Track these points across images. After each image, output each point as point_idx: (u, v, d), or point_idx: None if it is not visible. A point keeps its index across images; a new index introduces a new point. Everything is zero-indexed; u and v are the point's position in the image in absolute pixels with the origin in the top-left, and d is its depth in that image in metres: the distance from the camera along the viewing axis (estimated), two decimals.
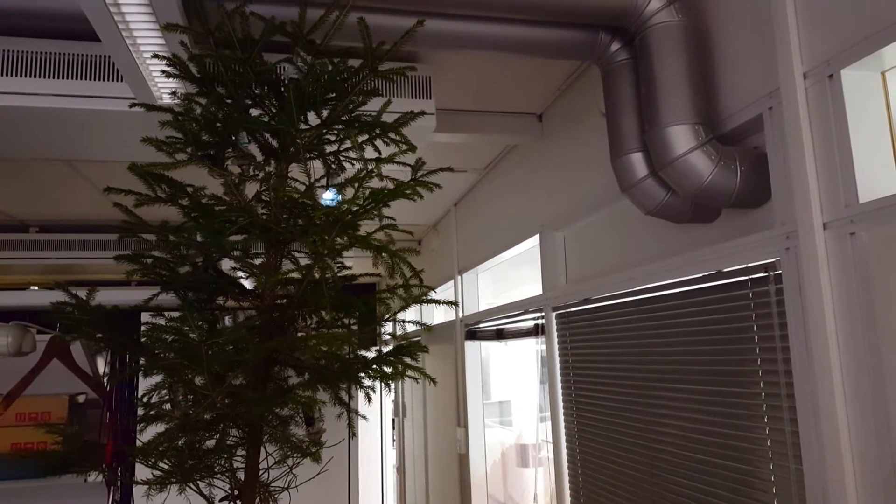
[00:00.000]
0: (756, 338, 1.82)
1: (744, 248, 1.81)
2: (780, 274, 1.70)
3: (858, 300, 1.48)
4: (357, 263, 6.49)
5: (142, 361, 1.76)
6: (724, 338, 1.95)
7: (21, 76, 2.30)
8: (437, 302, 1.98)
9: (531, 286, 6.07)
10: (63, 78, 2.33)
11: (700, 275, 2.04)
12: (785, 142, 1.70)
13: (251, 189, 1.91)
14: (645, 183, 2.09)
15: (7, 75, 2.29)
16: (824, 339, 1.53)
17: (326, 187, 1.92)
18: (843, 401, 1.50)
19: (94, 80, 2.35)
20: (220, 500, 1.90)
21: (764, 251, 1.74)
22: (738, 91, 1.92)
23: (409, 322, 2.09)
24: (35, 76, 2.31)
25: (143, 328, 1.76)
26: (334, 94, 1.86)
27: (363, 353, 1.98)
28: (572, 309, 2.96)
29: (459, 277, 4.90)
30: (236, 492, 1.88)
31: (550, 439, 3.17)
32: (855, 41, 1.50)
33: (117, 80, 2.36)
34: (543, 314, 3.27)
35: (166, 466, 1.69)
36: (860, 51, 1.49)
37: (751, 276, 1.84)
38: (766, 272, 1.77)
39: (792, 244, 1.64)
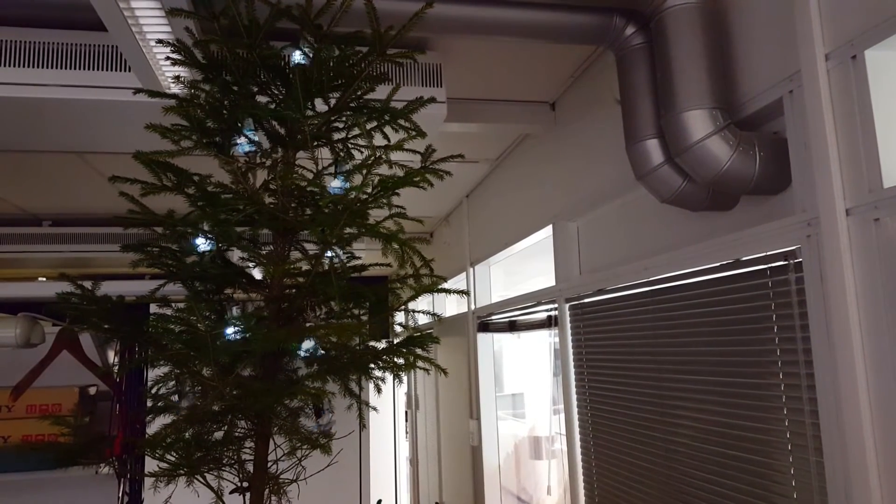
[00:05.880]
0: (776, 328, 1.77)
1: (763, 235, 1.76)
2: (801, 262, 1.65)
3: (883, 288, 1.43)
4: (369, 255, 6.48)
5: (150, 352, 1.75)
6: (743, 328, 1.90)
7: (29, 67, 2.28)
8: (448, 291, 1.95)
9: (544, 278, 6.03)
10: (71, 68, 2.31)
11: (718, 264, 1.99)
12: (806, 126, 1.65)
13: (260, 178, 1.89)
14: (661, 170, 2.04)
15: (15, 66, 2.27)
16: (847, 329, 1.48)
17: (335, 175, 1.89)
18: (867, 392, 1.45)
19: (102, 70, 2.33)
20: (230, 493, 1.88)
21: (784, 239, 1.69)
22: (757, 74, 1.86)
23: (420, 312, 2.06)
24: (43, 66, 2.29)
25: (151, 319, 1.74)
26: (342, 81, 1.82)
27: (373, 343, 1.95)
28: (586, 300, 2.92)
29: (471, 269, 4.86)
30: (245, 484, 1.86)
31: (564, 431, 3.13)
32: (880, 20, 1.44)
33: (125, 70, 2.34)
34: (556, 306, 3.23)
35: (174, 459, 1.67)
36: (885, 30, 1.43)
37: (770, 265, 1.79)
38: (786, 260, 1.72)
39: (813, 231, 1.59)
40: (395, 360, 1.91)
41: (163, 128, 1.73)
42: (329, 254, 1.78)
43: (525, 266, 5.87)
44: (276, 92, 1.89)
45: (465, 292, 1.91)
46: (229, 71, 1.79)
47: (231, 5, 1.66)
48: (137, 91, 1.82)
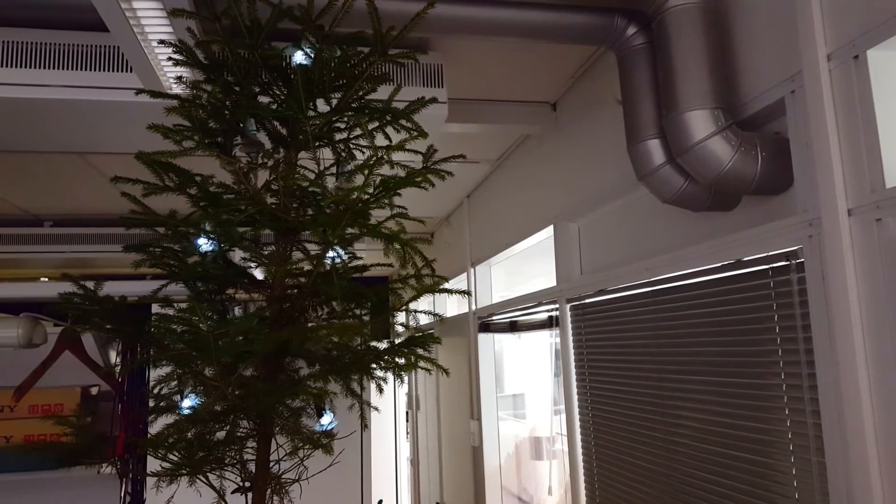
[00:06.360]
0: (777, 328, 1.77)
1: (765, 235, 1.76)
2: (803, 262, 1.65)
3: (884, 288, 1.43)
4: (370, 256, 6.48)
5: (152, 352, 1.75)
6: (744, 328, 1.90)
7: (31, 67, 2.28)
8: (449, 291, 1.95)
9: (545, 279, 6.03)
10: (73, 69, 2.31)
11: (719, 264, 1.99)
12: (808, 126, 1.65)
13: (262, 178, 1.89)
14: (662, 170, 2.04)
15: (17, 66, 2.28)
16: (848, 329, 1.48)
17: (336, 175, 1.89)
18: (869, 393, 1.45)
19: (104, 70, 2.33)
20: (232, 493, 1.88)
21: (786, 239, 1.69)
22: (759, 74, 1.86)
23: (421, 313, 2.06)
24: (45, 67, 2.29)
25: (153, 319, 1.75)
26: (343, 81, 1.82)
27: (375, 344, 1.95)
28: (587, 301, 2.92)
29: (472, 270, 4.86)
30: (247, 484, 1.86)
31: (565, 432, 3.13)
32: (881, 20, 1.44)
33: (127, 71, 2.34)
34: (557, 306, 3.23)
35: (176, 458, 1.67)
36: (887, 30, 1.43)
37: (772, 265, 1.79)
38: (787, 261, 1.72)
39: (815, 231, 1.59)
40: (397, 360, 1.91)
41: (165, 128, 1.73)
42: (331, 254, 1.79)
43: (526, 266, 5.87)
44: (277, 92, 1.90)
45: (467, 292, 1.91)
46: (231, 71, 1.79)
47: (233, 6, 1.66)
48: (139, 92, 1.83)
